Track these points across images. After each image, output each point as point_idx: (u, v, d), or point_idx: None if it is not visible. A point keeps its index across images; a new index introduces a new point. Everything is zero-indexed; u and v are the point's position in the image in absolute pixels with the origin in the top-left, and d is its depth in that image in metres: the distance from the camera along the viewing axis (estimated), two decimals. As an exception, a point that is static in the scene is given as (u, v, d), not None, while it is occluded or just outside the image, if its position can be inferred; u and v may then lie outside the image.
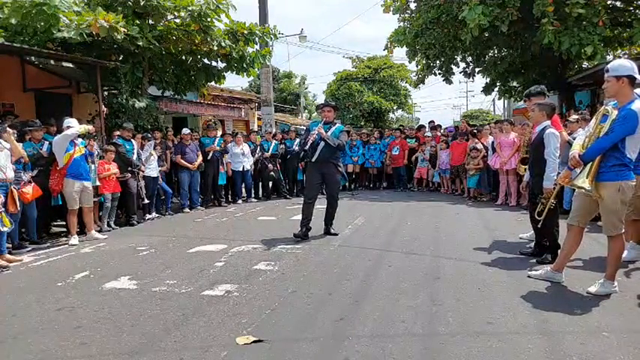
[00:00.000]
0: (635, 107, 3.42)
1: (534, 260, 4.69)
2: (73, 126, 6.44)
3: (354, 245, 5.68)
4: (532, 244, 5.05)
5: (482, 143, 9.68)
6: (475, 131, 10.37)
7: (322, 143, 6.06)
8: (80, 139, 6.73)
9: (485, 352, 2.77)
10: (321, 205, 6.56)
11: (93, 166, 7.06)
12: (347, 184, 12.45)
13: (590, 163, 3.62)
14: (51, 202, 6.78)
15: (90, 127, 6.92)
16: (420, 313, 3.40)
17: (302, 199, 6.62)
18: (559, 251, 4.48)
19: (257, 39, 10.78)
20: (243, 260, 5.11)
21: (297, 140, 11.02)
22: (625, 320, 3.20)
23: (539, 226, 4.52)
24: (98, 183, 7.19)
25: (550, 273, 4.04)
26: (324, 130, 6.09)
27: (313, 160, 6.16)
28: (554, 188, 4.39)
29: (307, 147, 6.11)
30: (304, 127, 18.79)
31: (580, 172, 3.69)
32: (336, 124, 6.37)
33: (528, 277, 4.15)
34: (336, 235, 6.32)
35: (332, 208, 6.41)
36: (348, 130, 7.22)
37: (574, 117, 7.09)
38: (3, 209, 5.29)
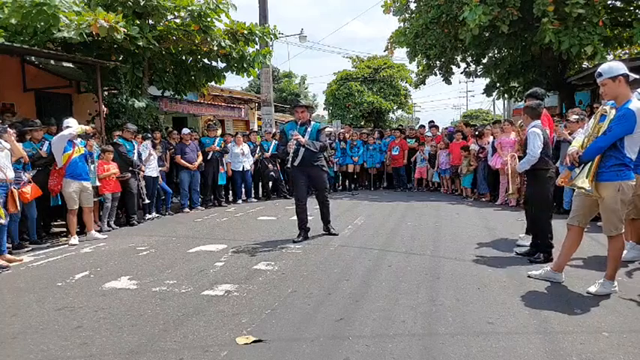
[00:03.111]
0: (633, 106, 3.43)
1: (534, 259, 4.69)
2: (72, 126, 6.44)
3: (354, 245, 5.68)
4: (528, 246, 5.05)
5: (479, 144, 9.71)
6: (476, 132, 10.39)
7: (302, 149, 5.94)
8: (80, 139, 6.73)
9: (485, 352, 2.77)
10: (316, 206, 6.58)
11: (92, 166, 7.06)
12: (347, 184, 12.51)
13: (590, 163, 3.62)
14: (50, 202, 6.78)
15: (87, 128, 6.91)
16: (420, 313, 3.40)
17: None
18: (554, 249, 4.51)
19: (257, 39, 10.77)
20: (243, 260, 5.12)
21: (273, 143, 10.81)
22: (625, 320, 3.20)
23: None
24: (98, 183, 7.19)
25: (550, 273, 4.05)
26: (300, 132, 5.97)
27: (296, 164, 6.01)
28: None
29: (290, 156, 5.94)
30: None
31: (580, 172, 3.69)
32: (311, 123, 6.22)
33: (528, 276, 4.15)
34: (335, 234, 6.31)
35: (325, 207, 6.36)
36: (325, 126, 7.10)
37: (574, 117, 7.09)
38: (1, 201, 5.30)
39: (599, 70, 3.63)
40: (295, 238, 6.03)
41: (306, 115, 6.21)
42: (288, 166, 6.05)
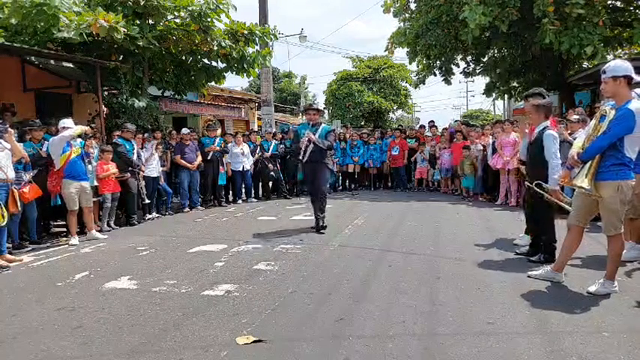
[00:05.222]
0: (632, 107, 3.45)
1: (534, 260, 4.69)
2: (69, 126, 6.42)
3: (354, 245, 5.68)
4: (527, 246, 5.04)
5: (481, 144, 9.71)
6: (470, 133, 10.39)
7: (311, 146, 6.58)
8: (79, 140, 6.73)
9: (485, 352, 2.77)
10: (328, 205, 7.01)
11: (90, 166, 7.06)
12: (347, 184, 12.51)
13: (590, 163, 3.63)
14: (50, 202, 6.78)
15: (86, 128, 6.90)
16: (420, 313, 3.40)
17: (302, 199, 7.11)
18: (557, 251, 4.49)
19: (257, 39, 10.77)
20: (243, 260, 5.12)
21: (273, 143, 11.01)
22: (625, 320, 3.20)
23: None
24: (96, 183, 7.19)
25: (550, 273, 4.05)
26: (312, 132, 6.62)
27: (304, 161, 6.75)
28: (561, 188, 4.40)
29: (302, 152, 6.63)
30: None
31: (579, 172, 3.70)
32: (321, 124, 6.90)
33: (528, 277, 4.15)
34: (324, 227, 6.57)
35: (320, 201, 6.76)
36: (334, 129, 7.98)
37: (575, 117, 7.10)
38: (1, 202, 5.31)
39: (605, 67, 3.64)
40: (313, 225, 6.71)
41: (317, 117, 6.93)
42: (300, 158, 6.79)
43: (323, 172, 6.79)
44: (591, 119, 4.29)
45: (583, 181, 3.59)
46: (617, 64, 3.60)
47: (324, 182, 6.95)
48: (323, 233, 6.43)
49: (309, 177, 7.00)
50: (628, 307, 3.44)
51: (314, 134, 6.59)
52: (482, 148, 9.60)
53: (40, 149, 6.65)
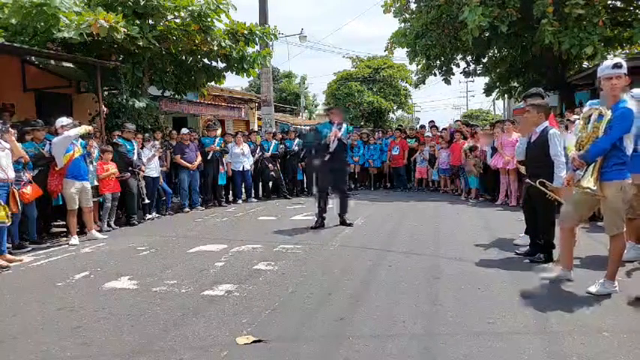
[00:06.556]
0: (630, 106, 3.45)
1: (534, 259, 4.68)
2: (66, 124, 6.42)
3: (354, 245, 5.68)
4: (527, 246, 5.03)
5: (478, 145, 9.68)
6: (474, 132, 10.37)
7: (336, 141, 6.79)
8: (81, 140, 6.73)
9: (485, 352, 2.77)
10: (329, 205, 7.04)
11: (91, 166, 7.06)
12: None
13: (594, 164, 3.61)
14: (51, 202, 6.78)
15: (90, 128, 6.92)
16: (420, 313, 3.40)
17: (302, 199, 7.14)
18: (554, 250, 4.50)
19: (257, 39, 10.77)
20: (243, 260, 5.11)
21: (297, 140, 11.15)
22: (625, 320, 3.20)
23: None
24: (96, 183, 7.19)
25: (561, 273, 4.03)
26: (337, 129, 6.88)
27: (326, 158, 6.84)
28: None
29: (330, 149, 6.78)
30: (303, 127, 18.86)
31: (584, 174, 3.67)
32: (343, 124, 7.11)
33: (541, 279, 4.10)
34: (350, 225, 6.82)
35: (343, 200, 7.01)
36: (353, 129, 8.17)
37: (575, 117, 7.10)
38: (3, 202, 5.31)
39: (620, 61, 3.57)
40: (313, 225, 6.82)
41: (341, 116, 7.25)
42: (325, 159, 6.87)
43: (343, 172, 7.18)
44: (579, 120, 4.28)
45: (589, 182, 3.57)
46: (624, 62, 3.58)
47: (345, 182, 7.28)
48: (351, 225, 6.82)
49: (327, 175, 6.94)
50: (628, 307, 3.43)
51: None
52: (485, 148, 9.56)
53: (42, 149, 6.65)
